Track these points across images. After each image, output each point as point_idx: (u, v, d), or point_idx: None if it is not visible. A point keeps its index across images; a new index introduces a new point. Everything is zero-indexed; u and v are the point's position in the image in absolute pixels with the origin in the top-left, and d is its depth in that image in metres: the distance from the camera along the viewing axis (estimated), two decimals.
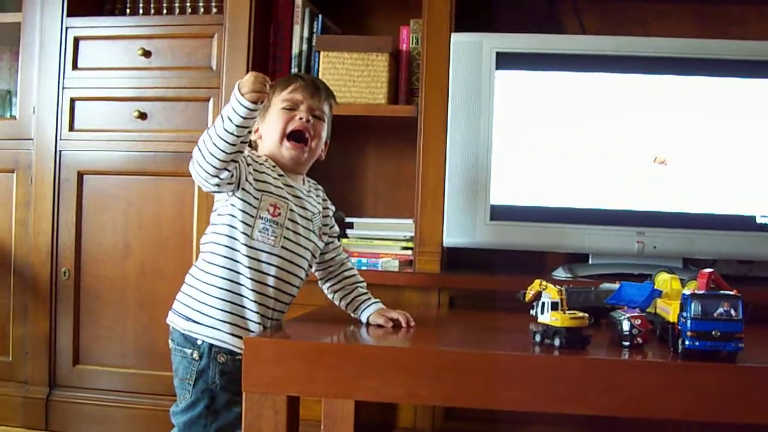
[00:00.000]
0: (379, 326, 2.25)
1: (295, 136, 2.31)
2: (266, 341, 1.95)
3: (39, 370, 3.44)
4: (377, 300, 2.38)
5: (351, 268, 2.49)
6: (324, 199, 2.47)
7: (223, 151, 2.03)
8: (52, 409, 3.41)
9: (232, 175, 2.11)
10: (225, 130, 2.02)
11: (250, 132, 2.07)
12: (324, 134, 2.40)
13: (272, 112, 2.33)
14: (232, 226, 2.20)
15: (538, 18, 3.46)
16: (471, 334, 2.41)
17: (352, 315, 2.38)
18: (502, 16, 3.41)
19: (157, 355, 3.19)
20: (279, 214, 2.23)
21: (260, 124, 2.36)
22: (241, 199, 2.19)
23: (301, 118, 2.32)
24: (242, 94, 2.01)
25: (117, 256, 3.39)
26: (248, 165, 2.21)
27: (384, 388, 1.84)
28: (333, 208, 2.50)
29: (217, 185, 2.11)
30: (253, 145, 2.37)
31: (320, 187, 2.49)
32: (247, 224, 2.19)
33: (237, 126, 2.01)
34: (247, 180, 2.18)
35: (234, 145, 2.03)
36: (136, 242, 3.38)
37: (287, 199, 2.27)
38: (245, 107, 2.00)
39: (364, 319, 2.33)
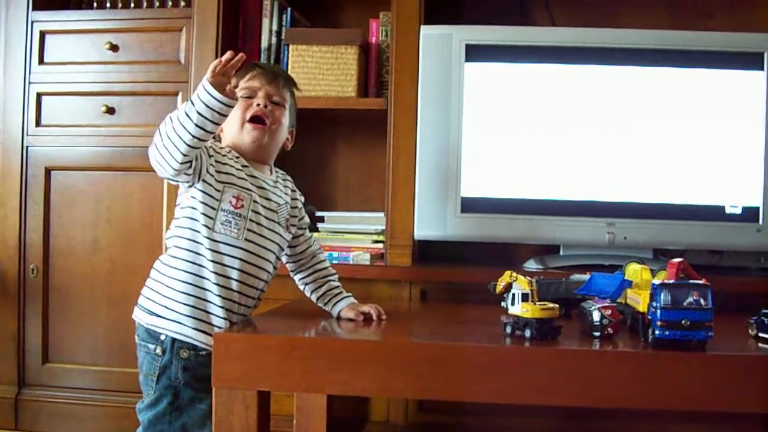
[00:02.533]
0: (350, 320, 2.25)
1: (255, 121, 2.30)
2: (236, 336, 1.94)
3: (7, 370, 3.41)
4: (349, 294, 2.37)
5: (323, 261, 2.47)
6: (293, 190, 2.45)
7: (182, 139, 2.00)
8: (21, 409, 3.38)
9: (191, 165, 2.09)
10: (187, 115, 2.00)
11: (217, 123, 2.02)
12: (285, 120, 2.37)
13: None
14: (194, 219, 2.18)
15: (507, 10, 3.46)
16: (442, 326, 2.41)
17: (323, 308, 2.37)
18: (471, 9, 3.40)
19: (127, 352, 3.14)
20: (242, 206, 2.21)
21: None
22: (203, 191, 2.17)
23: (258, 105, 2.30)
24: (209, 82, 2.00)
25: (86, 252, 3.37)
26: (210, 156, 2.18)
27: (356, 382, 1.84)
28: (302, 199, 2.48)
29: (177, 171, 2.07)
30: (216, 138, 2.35)
31: (289, 178, 2.47)
32: (208, 217, 2.17)
33: (198, 113, 1.99)
34: (208, 171, 2.16)
35: (195, 137, 2.00)
36: (105, 238, 3.36)
37: (251, 190, 2.24)
38: (209, 94, 1.99)
39: (335, 313, 2.32)
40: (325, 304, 2.37)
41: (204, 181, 2.16)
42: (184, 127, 1.99)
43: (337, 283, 2.42)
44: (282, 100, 2.36)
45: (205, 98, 1.99)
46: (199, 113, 1.99)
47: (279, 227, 2.31)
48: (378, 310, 2.26)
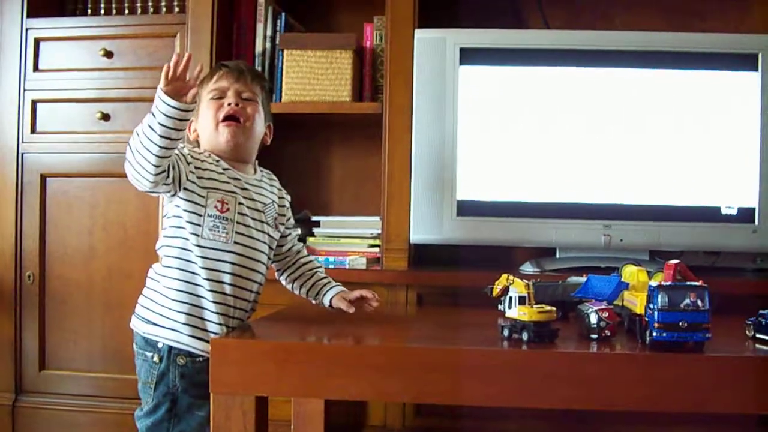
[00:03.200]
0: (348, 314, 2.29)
1: (228, 120, 2.29)
2: (233, 342, 1.93)
3: (4, 376, 3.40)
4: (338, 283, 2.39)
5: (307, 256, 2.49)
6: (279, 189, 2.46)
7: (150, 152, 1.99)
8: (18, 416, 3.37)
9: (168, 175, 2.08)
10: (150, 127, 1.99)
11: (181, 130, 2.01)
12: (259, 115, 2.36)
13: (202, 106, 2.31)
14: (181, 227, 2.18)
15: (501, 13, 3.46)
16: (439, 330, 2.40)
17: (314, 301, 2.40)
18: (465, 12, 3.41)
19: (124, 359, 3.15)
20: (227, 209, 2.21)
21: (195, 122, 2.34)
22: (186, 199, 2.17)
23: (229, 104, 2.29)
24: (164, 92, 1.99)
25: (82, 258, 3.37)
26: (188, 163, 2.18)
27: (353, 387, 1.84)
28: (289, 198, 2.49)
29: (153, 183, 2.06)
30: (194, 143, 2.35)
31: (274, 177, 2.47)
32: (195, 224, 2.17)
33: (160, 124, 1.97)
34: (188, 179, 2.16)
35: (162, 147, 1.99)
36: (101, 244, 3.35)
37: (235, 193, 2.24)
38: (166, 103, 1.98)
39: (326, 303, 2.35)
40: (316, 295, 2.39)
41: (186, 188, 2.16)
42: (150, 140, 1.98)
43: (325, 275, 2.44)
44: (252, 95, 2.35)
45: (163, 109, 1.98)
46: (160, 124, 1.97)
47: (267, 227, 2.32)
48: (370, 292, 2.30)
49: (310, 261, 2.48)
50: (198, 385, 2.14)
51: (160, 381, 2.19)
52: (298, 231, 2.55)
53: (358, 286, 2.92)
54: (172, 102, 1.97)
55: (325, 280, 2.41)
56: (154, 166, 2.01)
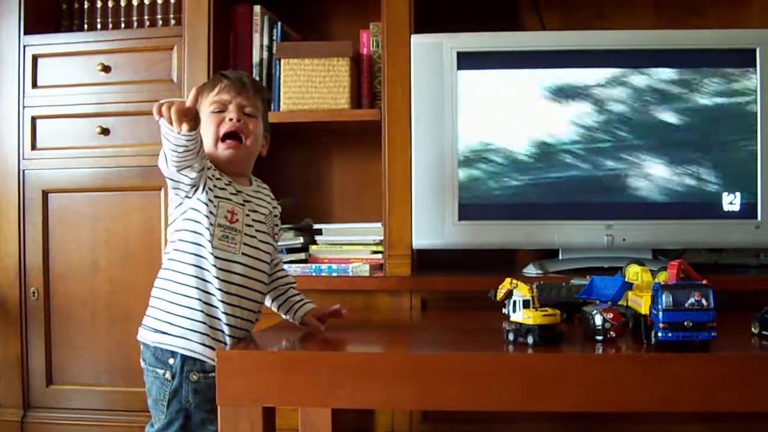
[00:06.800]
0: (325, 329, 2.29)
1: (229, 137, 2.28)
2: (238, 353, 1.94)
3: (12, 393, 3.40)
4: (309, 300, 2.39)
5: (283, 269, 2.49)
6: (273, 199, 2.45)
7: (169, 150, 2.04)
8: (27, 431, 3.38)
9: (195, 171, 2.10)
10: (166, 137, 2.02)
11: (187, 146, 2.03)
12: (259, 131, 2.35)
13: (202, 118, 2.25)
14: (198, 233, 2.18)
15: (497, 15, 3.46)
16: (444, 335, 2.40)
17: (284, 316, 2.39)
18: (461, 15, 3.41)
19: (131, 372, 3.15)
20: (236, 220, 2.21)
21: None
22: (206, 204, 2.16)
23: (231, 119, 2.28)
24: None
25: (86, 273, 3.37)
26: (207, 169, 2.19)
27: (359, 395, 1.84)
28: (279, 208, 2.48)
29: (176, 168, 2.08)
30: None
31: (267, 186, 2.46)
32: (210, 232, 2.17)
33: (166, 139, 2.02)
34: (206, 186, 2.16)
35: (176, 152, 2.03)
36: (105, 259, 3.35)
37: (242, 204, 2.25)
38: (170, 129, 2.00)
39: (297, 321, 2.34)
40: (287, 311, 2.38)
41: (205, 194, 2.16)
42: (167, 139, 2.02)
43: (297, 291, 2.43)
44: (254, 110, 2.34)
45: (164, 131, 2.01)
46: (165, 138, 2.02)
47: (269, 237, 2.33)
48: (338, 305, 2.31)
49: (286, 275, 2.47)
50: (211, 400, 2.12)
51: (173, 398, 2.18)
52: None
53: (362, 293, 2.95)
54: (175, 131, 1.99)
55: (297, 297, 2.40)
56: (175, 161, 2.05)
